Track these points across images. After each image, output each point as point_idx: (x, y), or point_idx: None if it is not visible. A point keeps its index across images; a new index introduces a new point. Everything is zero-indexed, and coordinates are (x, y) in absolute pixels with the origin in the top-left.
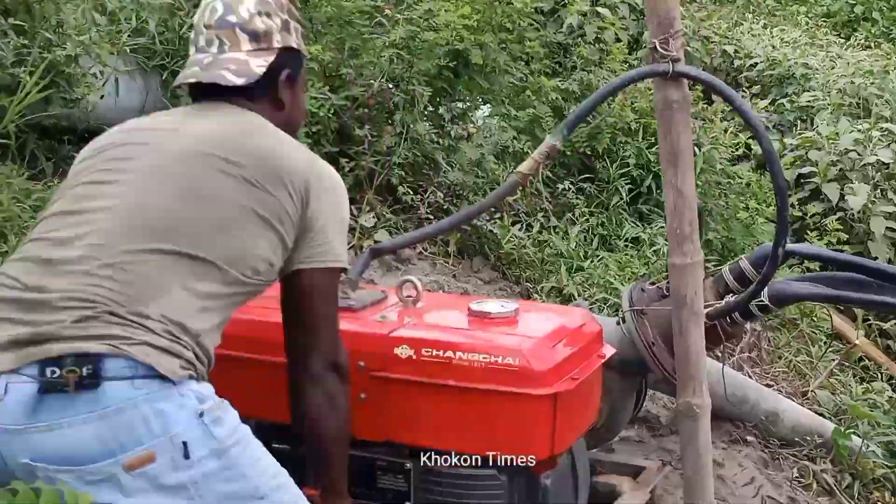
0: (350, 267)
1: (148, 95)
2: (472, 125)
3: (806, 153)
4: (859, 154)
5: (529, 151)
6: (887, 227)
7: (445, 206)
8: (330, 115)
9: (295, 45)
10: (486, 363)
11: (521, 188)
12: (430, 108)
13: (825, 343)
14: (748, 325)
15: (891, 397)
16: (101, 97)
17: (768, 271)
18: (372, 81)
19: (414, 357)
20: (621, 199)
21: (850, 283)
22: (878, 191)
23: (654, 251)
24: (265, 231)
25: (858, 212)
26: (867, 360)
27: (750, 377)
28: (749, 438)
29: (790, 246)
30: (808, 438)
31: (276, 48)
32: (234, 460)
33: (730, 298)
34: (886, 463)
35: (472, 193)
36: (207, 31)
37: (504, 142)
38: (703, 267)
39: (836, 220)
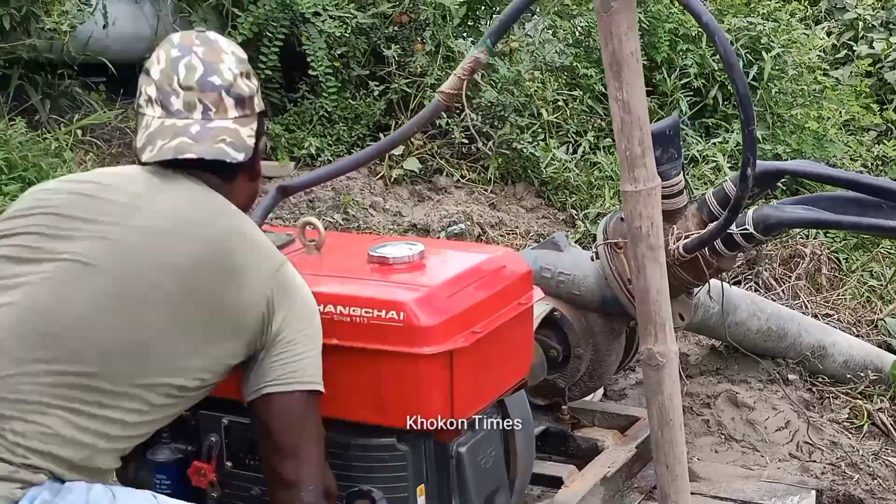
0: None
1: (159, 23)
2: (514, 40)
3: None
4: None
5: (578, 66)
6: None
7: (484, 129)
8: (358, 36)
9: (260, 109)
10: (369, 319)
11: (452, 109)
12: (470, 23)
13: None
14: (808, 249)
15: None
16: (81, 23)
17: (738, 195)
18: None
19: None
20: (682, 113)
21: (854, 205)
22: None
23: (714, 169)
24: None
25: None
26: None
27: (806, 306)
28: (791, 377)
29: (781, 164)
30: (862, 374)
31: (257, 113)
32: None
33: (711, 227)
34: None
35: (513, 114)
36: (186, 92)
37: (550, 57)
38: (685, 192)
39: None
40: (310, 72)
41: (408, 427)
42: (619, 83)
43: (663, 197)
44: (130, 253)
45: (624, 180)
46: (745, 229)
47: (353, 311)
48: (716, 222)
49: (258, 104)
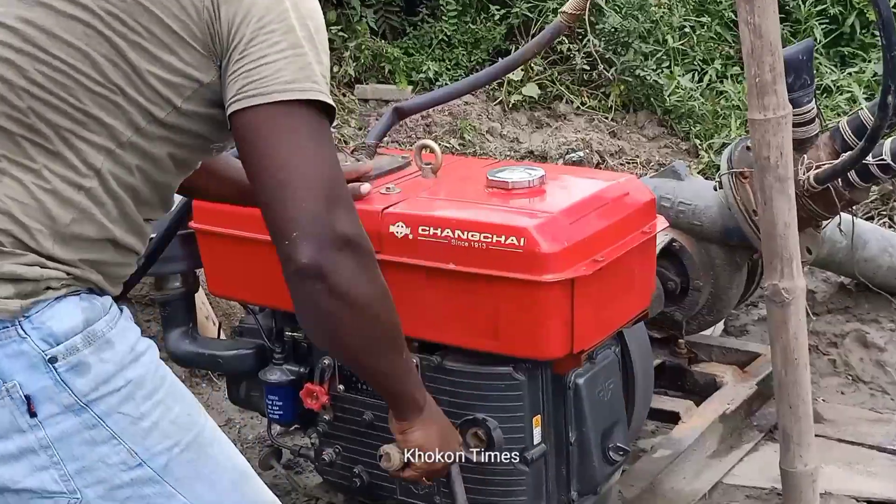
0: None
1: None
2: None
3: None
4: None
5: None
6: None
7: (607, 55)
8: None
9: None
10: (488, 244)
11: (574, 31)
12: None
13: None
14: None
15: None
16: None
17: (877, 124)
18: None
19: (410, 236)
20: (816, 40)
21: None
22: None
23: (849, 99)
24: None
25: None
26: None
27: None
28: None
29: None
30: None
31: None
32: (103, 417)
33: (845, 157)
34: None
35: (637, 39)
36: None
37: None
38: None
39: None
40: None
41: (525, 356)
42: (751, 6)
43: (794, 125)
44: None
45: (752, 108)
46: (882, 160)
47: (472, 235)
48: (850, 152)
49: None
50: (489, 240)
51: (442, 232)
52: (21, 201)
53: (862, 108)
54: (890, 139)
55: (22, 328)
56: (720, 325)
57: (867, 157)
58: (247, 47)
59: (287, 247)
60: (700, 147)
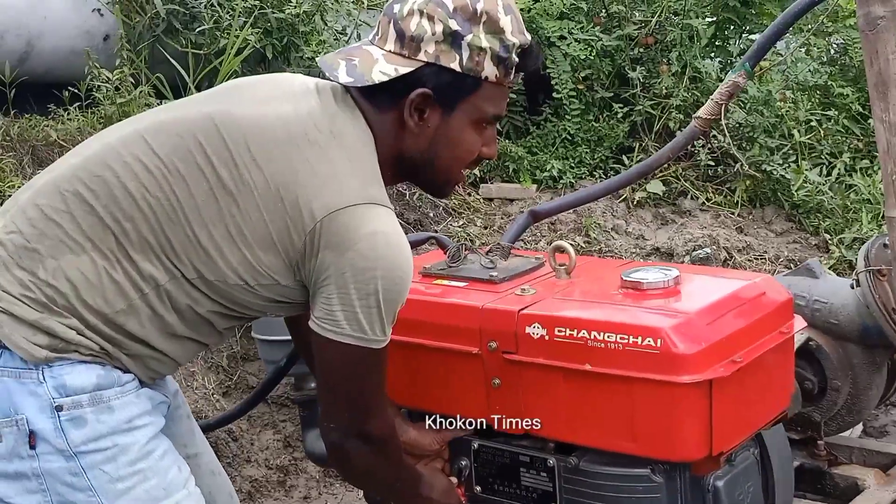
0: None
1: None
2: (765, 59)
3: None
4: None
5: (833, 85)
6: None
7: (731, 151)
8: (602, 59)
9: (457, 67)
10: (625, 345)
11: (705, 134)
12: (718, 42)
13: None
14: None
15: None
16: None
17: None
18: (649, 17)
19: (546, 337)
20: None
21: None
22: None
23: None
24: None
25: None
26: None
27: None
28: None
29: None
30: None
31: (421, 61)
32: (86, 469)
33: None
34: None
35: (762, 134)
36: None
37: (802, 76)
38: None
39: None
40: (554, 94)
41: (663, 458)
42: (886, 104)
43: None
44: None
45: (890, 206)
46: None
47: (608, 336)
48: None
49: (429, 53)
50: (625, 340)
51: (578, 333)
52: (88, 278)
53: None
54: None
55: (42, 374)
56: (859, 427)
57: None
58: (332, 292)
59: (324, 428)
60: (830, 242)
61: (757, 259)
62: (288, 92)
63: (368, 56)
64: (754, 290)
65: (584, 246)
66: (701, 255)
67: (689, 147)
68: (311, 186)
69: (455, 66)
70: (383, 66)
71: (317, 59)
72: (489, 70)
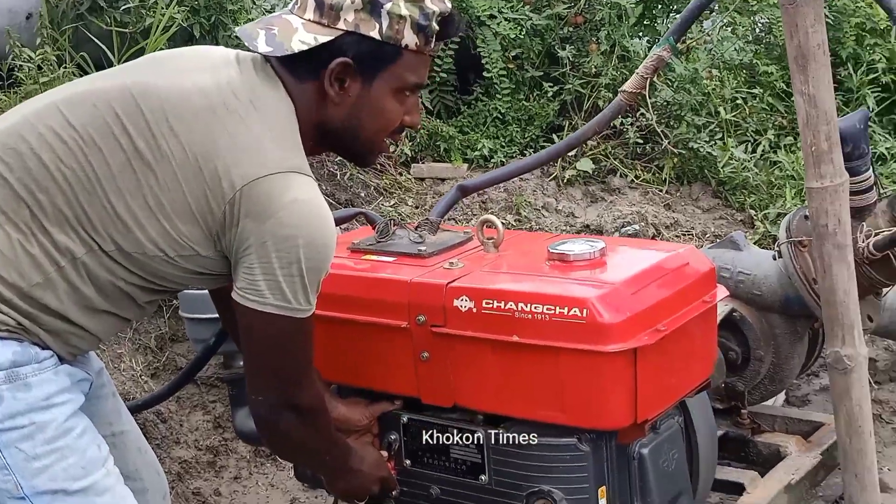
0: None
1: None
2: (691, 38)
3: None
4: None
5: (758, 64)
6: None
7: (660, 129)
8: (532, 38)
9: (377, 36)
10: (552, 316)
11: (631, 108)
12: (646, 22)
13: None
14: None
15: None
16: None
17: None
18: None
19: (474, 310)
20: (870, 109)
21: None
22: None
23: None
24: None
25: None
26: None
27: None
28: None
29: None
30: None
31: (341, 30)
32: (1, 448)
33: None
34: None
35: (689, 112)
36: None
37: (728, 55)
38: (875, 188)
39: None
40: (484, 74)
41: (589, 427)
42: (805, 77)
43: (852, 193)
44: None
45: (809, 176)
46: None
47: (535, 308)
48: None
49: (349, 22)
50: (552, 311)
51: (505, 305)
52: (2, 251)
53: None
54: None
55: None
56: (781, 395)
57: None
58: (253, 261)
59: (252, 401)
60: (755, 217)
61: (684, 235)
62: (208, 63)
63: (288, 25)
64: (678, 260)
65: (515, 224)
66: (629, 232)
67: (615, 123)
68: (231, 155)
69: (375, 34)
70: (303, 36)
71: (236, 28)
72: (409, 38)
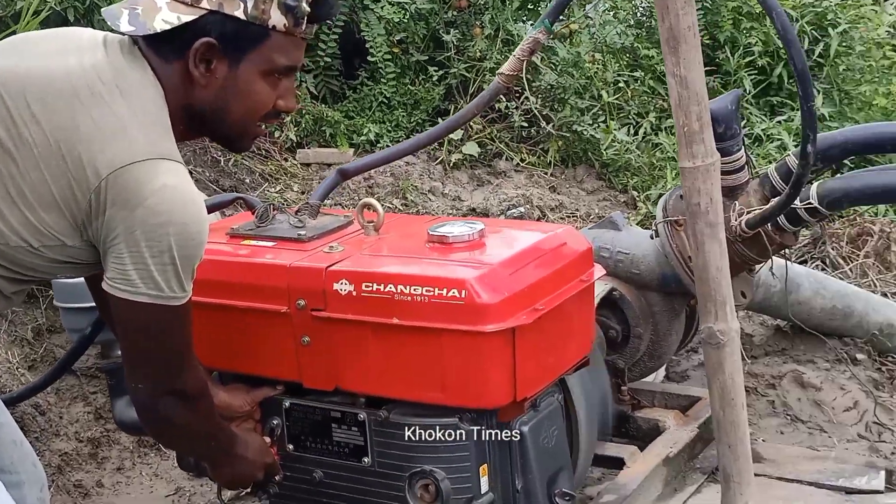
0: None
1: None
2: (574, 22)
3: None
4: None
5: (640, 47)
6: None
7: (544, 112)
8: (417, 22)
9: (241, 15)
10: (431, 297)
11: (512, 91)
12: (529, 6)
13: None
14: (877, 227)
15: None
16: None
17: (800, 172)
18: None
19: (354, 293)
20: (746, 91)
21: None
22: None
23: (779, 147)
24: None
25: None
26: None
27: (875, 285)
28: (859, 356)
29: (843, 132)
30: None
31: (204, 9)
32: None
33: (774, 202)
34: None
35: (573, 95)
36: None
37: (610, 38)
38: (747, 168)
39: None
40: (369, 58)
41: (470, 406)
42: (677, 58)
43: (724, 173)
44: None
45: (682, 156)
46: (810, 204)
47: (414, 290)
48: (778, 197)
49: (210, 1)
50: (431, 293)
51: (385, 287)
52: None
53: (789, 155)
54: (816, 183)
55: None
56: (662, 372)
57: (795, 202)
58: (122, 251)
59: (132, 390)
60: (638, 198)
61: (569, 217)
62: (74, 45)
63: (152, 4)
64: (556, 240)
65: (401, 208)
66: (515, 215)
67: (500, 107)
68: (95, 142)
69: (240, 13)
70: (166, 15)
71: (103, 9)
72: (277, 19)
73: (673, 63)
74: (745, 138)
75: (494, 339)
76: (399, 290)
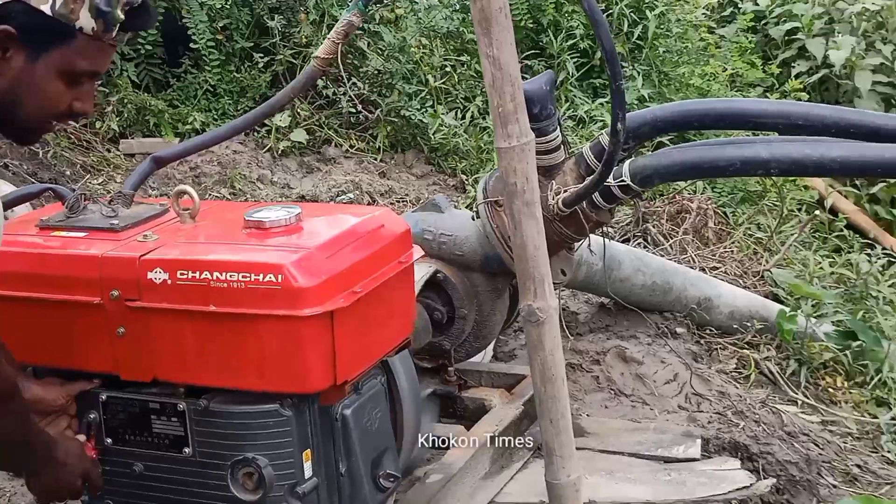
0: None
1: None
2: (399, 7)
3: (791, 7)
4: (848, 2)
5: (466, 32)
6: (874, 82)
7: (372, 98)
8: (240, 8)
9: (47, 11)
10: (247, 283)
11: (329, 74)
12: None
13: (798, 215)
14: (694, 204)
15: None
16: None
17: (610, 150)
18: None
19: (169, 281)
20: (570, 74)
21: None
22: (865, 43)
23: (602, 128)
24: None
25: (844, 67)
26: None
27: (693, 261)
28: (679, 331)
29: (653, 110)
30: (749, 324)
31: None
32: None
33: (588, 180)
34: (835, 345)
35: (400, 80)
36: None
37: (436, 23)
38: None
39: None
40: (192, 45)
41: (290, 391)
42: (489, 39)
43: (541, 153)
44: None
45: (498, 137)
46: (623, 181)
47: (230, 276)
48: (592, 176)
49: None
50: (247, 279)
51: (200, 275)
52: None
53: (602, 135)
54: (629, 161)
55: None
56: (490, 352)
57: (609, 180)
58: None
59: None
60: (467, 182)
61: (399, 202)
62: None
63: None
64: (373, 223)
65: (229, 198)
66: (344, 201)
67: (327, 93)
68: None
69: (46, 8)
70: None
71: None
72: (85, 21)
73: (486, 44)
74: (570, 120)
75: (312, 322)
76: (215, 277)
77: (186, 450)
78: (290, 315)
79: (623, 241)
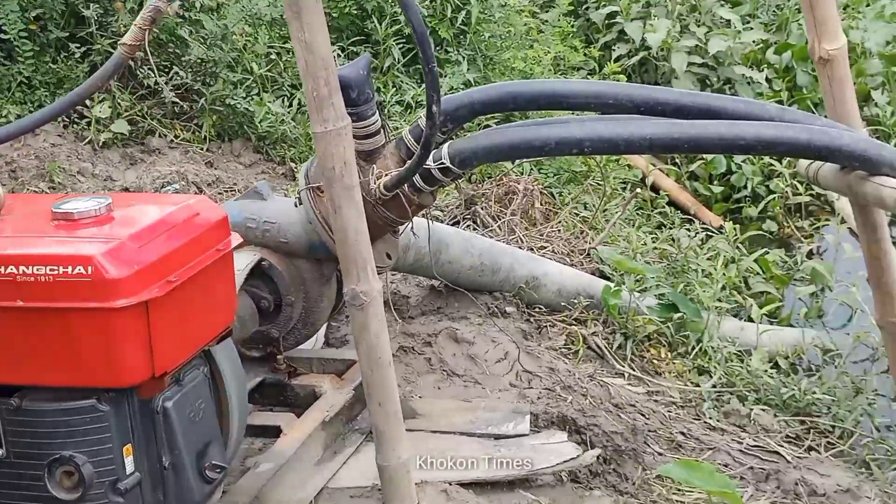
0: None
1: None
2: None
3: None
4: None
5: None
6: (690, 63)
7: (196, 87)
8: None
9: None
10: (55, 276)
11: (133, 60)
12: None
13: (622, 194)
14: (521, 185)
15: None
16: None
17: (428, 132)
18: None
19: None
20: (396, 60)
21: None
22: (681, 26)
23: None
24: None
25: (661, 49)
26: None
27: (522, 241)
28: (509, 310)
29: (469, 93)
30: (576, 301)
31: None
32: None
33: (409, 164)
34: (658, 318)
35: (225, 69)
36: None
37: (260, 10)
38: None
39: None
40: (3, 36)
41: (107, 386)
42: (301, 24)
43: (360, 137)
44: None
45: (313, 122)
46: (443, 163)
47: (38, 270)
48: (411, 159)
49: None
50: (56, 272)
51: (6, 270)
52: None
53: (422, 118)
54: (448, 143)
55: None
56: (321, 338)
57: (429, 162)
58: None
59: None
60: (296, 170)
61: (227, 192)
62: None
63: None
64: (188, 211)
65: (48, 192)
66: (169, 192)
67: (149, 82)
68: None
69: None
70: None
71: None
72: None
73: (297, 28)
74: (398, 105)
75: (126, 314)
76: (21, 272)
77: None
78: (101, 307)
79: (452, 224)
